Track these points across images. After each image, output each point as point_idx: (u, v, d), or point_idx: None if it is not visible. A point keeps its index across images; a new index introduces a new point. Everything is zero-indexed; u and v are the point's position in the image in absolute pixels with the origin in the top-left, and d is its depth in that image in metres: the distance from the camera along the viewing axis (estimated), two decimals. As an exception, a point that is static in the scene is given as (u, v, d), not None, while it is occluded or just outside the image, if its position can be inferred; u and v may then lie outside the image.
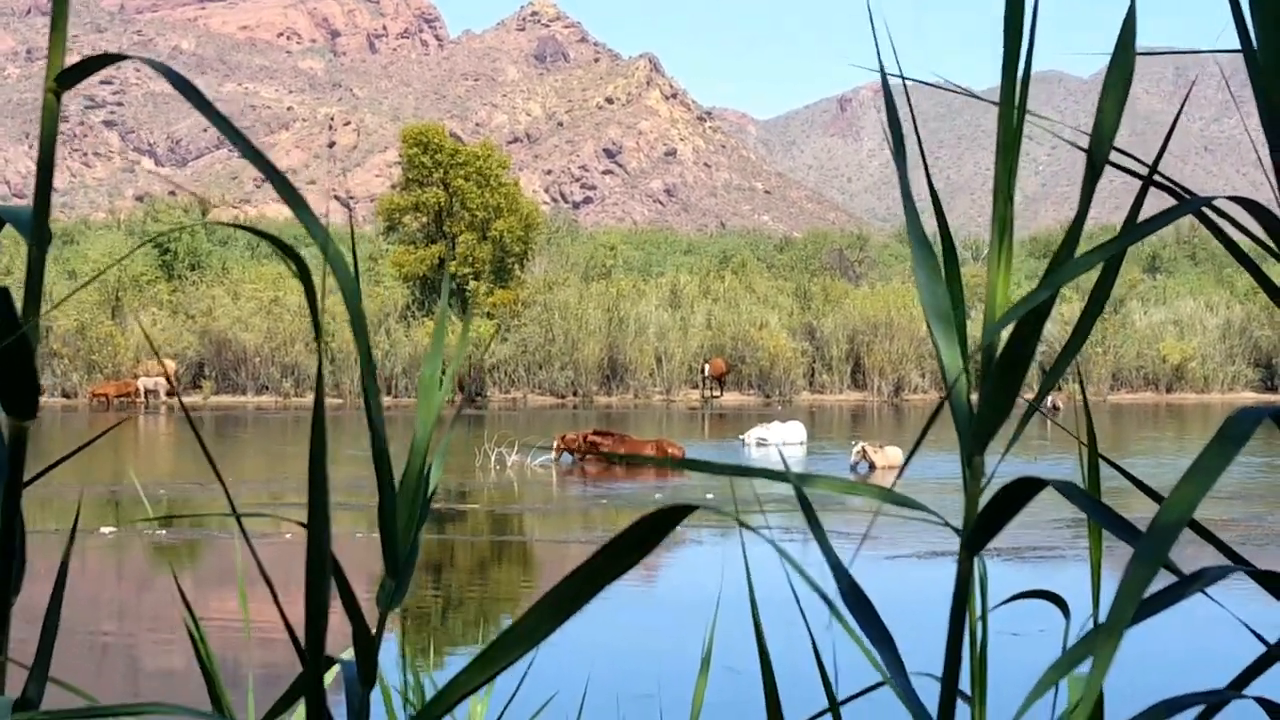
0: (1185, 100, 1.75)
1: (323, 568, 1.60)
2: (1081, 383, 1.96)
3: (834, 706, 1.84)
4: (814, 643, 1.83)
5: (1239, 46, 1.56)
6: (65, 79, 1.55)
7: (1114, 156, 1.91)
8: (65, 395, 60.52)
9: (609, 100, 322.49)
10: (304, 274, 1.48)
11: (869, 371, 70.80)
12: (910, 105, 1.81)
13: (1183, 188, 1.61)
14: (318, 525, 1.59)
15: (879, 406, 65.71)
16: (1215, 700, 1.55)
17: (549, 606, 1.38)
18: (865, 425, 48.98)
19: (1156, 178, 1.63)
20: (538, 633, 1.39)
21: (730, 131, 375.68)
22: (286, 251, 1.55)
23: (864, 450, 30.39)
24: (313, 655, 1.60)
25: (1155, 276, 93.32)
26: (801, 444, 36.60)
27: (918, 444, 1.62)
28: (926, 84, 2.01)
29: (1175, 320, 76.46)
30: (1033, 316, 1.56)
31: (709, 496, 23.82)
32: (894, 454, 30.71)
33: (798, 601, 1.66)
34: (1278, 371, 74.67)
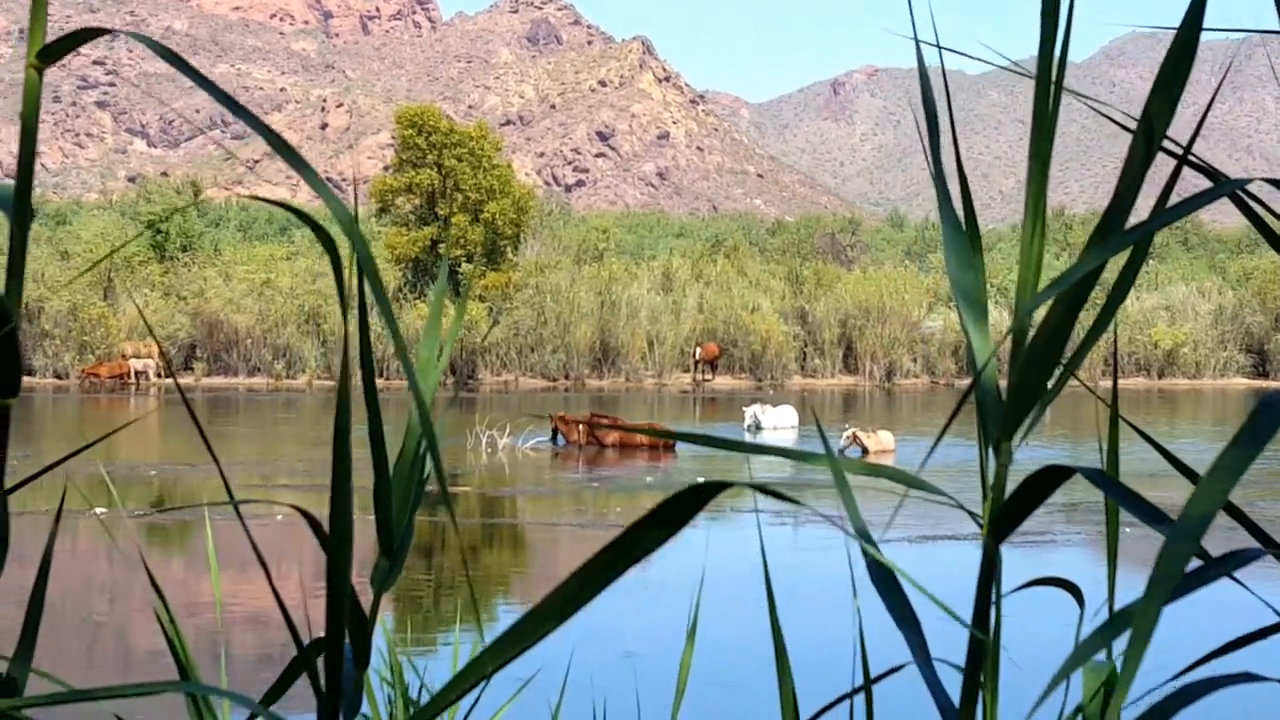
0: (1219, 88, 1.71)
1: (345, 551, 1.60)
2: (1115, 364, 1.93)
3: (868, 685, 1.84)
4: (860, 623, 1.83)
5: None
6: (48, 54, 1.53)
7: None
8: (57, 376, 60.40)
9: (602, 83, 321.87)
10: (330, 248, 1.49)
11: (860, 356, 70.78)
12: (946, 84, 1.78)
13: (1219, 171, 1.59)
14: (340, 509, 1.58)
15: (870, 391, 65.74)
16: (1234, 683, 1.54)
17: (575, 586, 1.35)
18: (857, 409, 49.01)
19: (1191, 160, 1.61)
20: (564, 611, 1.36)
21: (723, 115, 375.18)
22: (314, 228, 1.56)
23: (854, 435, 30.25)
24: (333, 636, 1.59)
25: (1147, 262, 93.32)
26: (793, 428, 36.61)
27: (946, 427, 1.58)
28: (961, 53, 1.96)
29: (1167, 306, 76.52)
30: (1070, 296, 1.52)
31: (699, 480, 23.81)
32: (886, 438, 30.66)
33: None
34: (1270, 357, 74.73)
